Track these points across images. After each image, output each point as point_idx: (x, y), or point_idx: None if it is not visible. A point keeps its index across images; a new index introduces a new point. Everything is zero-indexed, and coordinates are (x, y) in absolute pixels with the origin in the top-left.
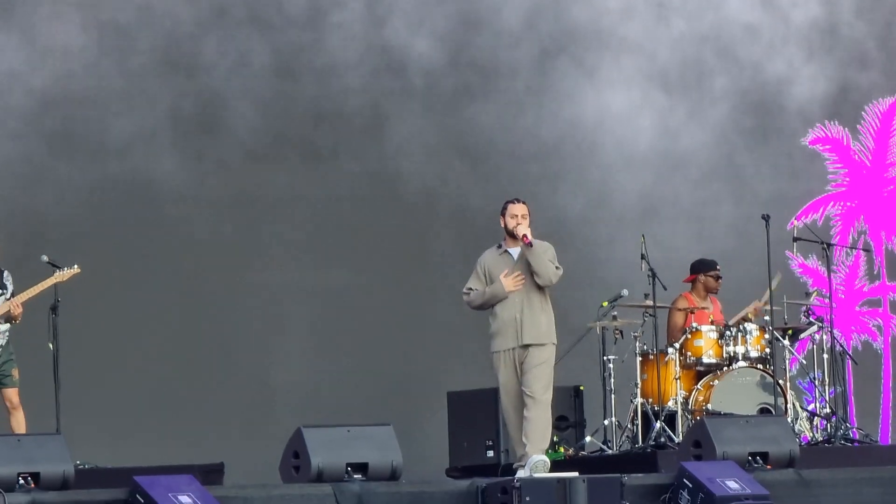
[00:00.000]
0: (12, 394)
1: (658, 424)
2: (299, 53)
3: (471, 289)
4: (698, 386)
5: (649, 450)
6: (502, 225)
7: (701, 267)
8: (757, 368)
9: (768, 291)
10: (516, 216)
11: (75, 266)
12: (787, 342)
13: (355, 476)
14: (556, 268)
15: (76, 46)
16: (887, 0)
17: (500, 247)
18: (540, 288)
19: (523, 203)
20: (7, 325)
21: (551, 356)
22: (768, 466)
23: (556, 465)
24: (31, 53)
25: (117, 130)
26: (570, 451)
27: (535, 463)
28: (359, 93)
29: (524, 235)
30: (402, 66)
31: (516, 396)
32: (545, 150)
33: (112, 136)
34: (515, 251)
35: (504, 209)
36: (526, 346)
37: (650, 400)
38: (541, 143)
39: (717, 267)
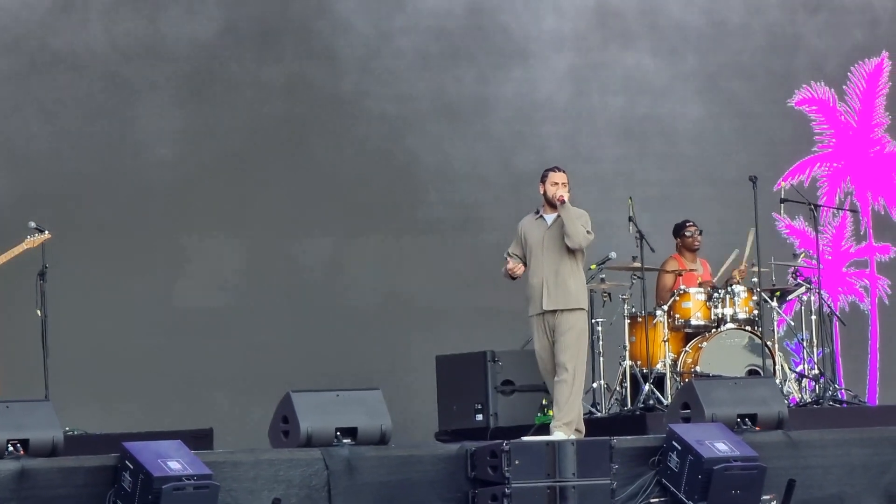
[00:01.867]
0: None
1: (647, 387)
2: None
3: (509, 254)
4: (687, 348)
5: (638, 412)
6: (542, 192)
7: (676, 229)
8: (745, 330)
9: (746, 251)
10: (557, 184)
11: (45, 232)
12: (774, 304)
13: (344, 440)
14: (588, 232)
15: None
16: None
17: (537, 212)
18: (571, 252)
19: (563, 171)
20: None
21: (579, 321)
22: (757, 428)
23: (544, 428)
24: None
25: (100, 96)
26: None
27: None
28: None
29: (560, 196)
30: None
31: (548, 361)
32: (535, 114)
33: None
34: (550, 217)
35: (544, 177)
36: (554, 312)
37: (639, 362)
38: (530, 106)
39: (688, 224)
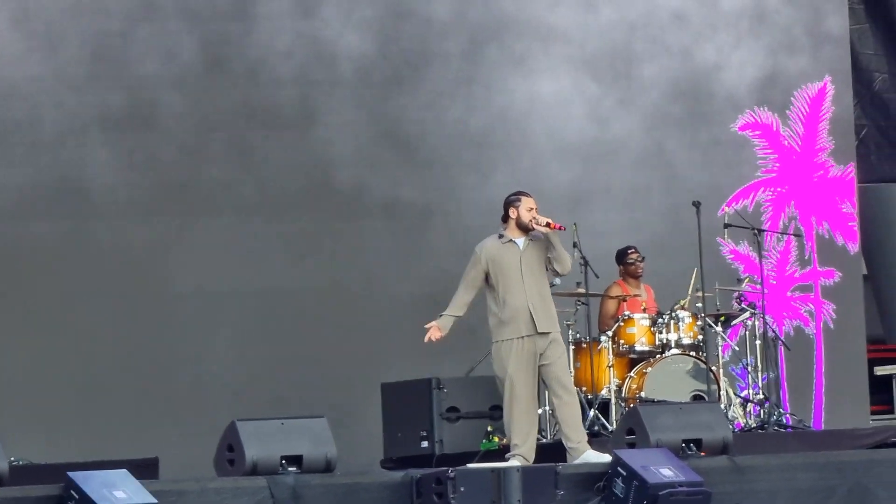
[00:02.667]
0: None
1: (592, 413)
2: (227, 45)
3: (466, 276)
4: (631, 374)
5: None
6: (513, 216)
7: (619, 256)
8: (690, 356)
9: (689, 289)
10: (532, 208)
11: None
12: (719, 329)
13: (290, 468)
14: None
15: (4, 40)
16: None
17: (501, 237)
18: (544, 276)
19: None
20: None
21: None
22: (702, 453)
23: (490, 455)
24: None
25: (47, 126)
26: (504, 441)
27: (589, 459)
28: (289, 84)
29: (557, 224)
30: (332, 57)
31: (524, 386)
32: (476, 140)
33: (42, 133)
34: (521, 241)
35: (516, 201)
36: (544, 335)
37: (584, 388)
38: (471, 133)
39: (630, 250)
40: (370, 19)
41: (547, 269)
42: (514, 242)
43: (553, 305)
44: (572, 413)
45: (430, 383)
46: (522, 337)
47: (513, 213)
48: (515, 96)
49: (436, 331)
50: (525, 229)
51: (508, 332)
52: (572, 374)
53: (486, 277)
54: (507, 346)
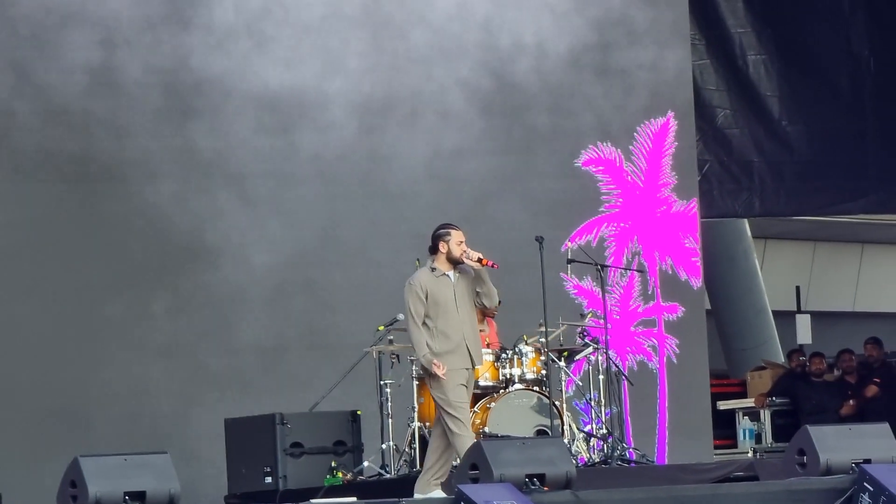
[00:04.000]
0: None
1: None
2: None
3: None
4: (475, 409)
5: None
6: (443, 250)
7: None
8: (533, 391)
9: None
10: (462, 241)
11: None
12: (562, 364)
13: None
14: None
15: None
16: (657, 23)
17: (434, 270)
18: (475, 310)
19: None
20: None
21: None
22: (545, 488)
23: (334, 490)
24: None
25: None
26: (349, 476)
27: None
28: None
29: (485, 259)
30: None
31: (468, 413)
32: (296, 171)
33: None
34: (452, 274)
35: (445, 235)
36: (471, 369)
37: (427, 423)
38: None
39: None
40: None
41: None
42: (448, 276)
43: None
44: (464, 445)
45: (274, 419)
46: (463, 369)
47: (443, 247)
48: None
49: (439, 368)
50: (455, 262)
51: (453, 362)
52: (416, 410)
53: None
54: (453, 375)
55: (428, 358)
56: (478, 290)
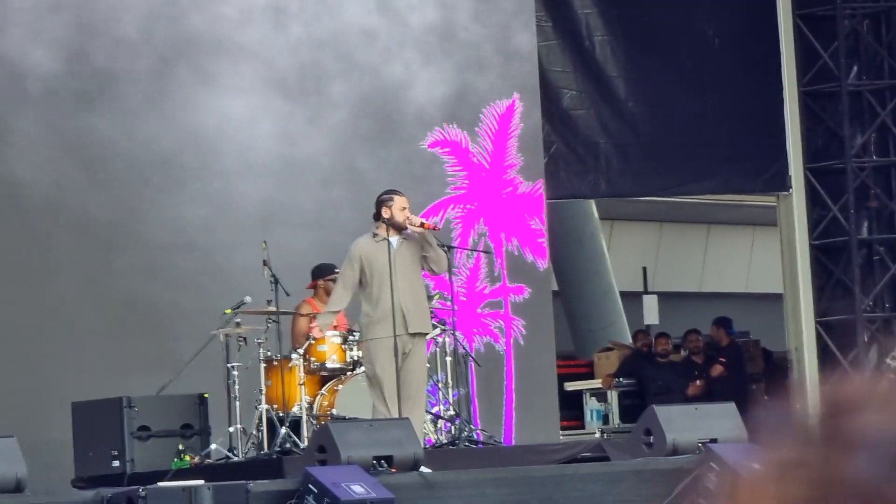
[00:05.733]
0: None
1: (283, 430)
2: None
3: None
4: (323, 391)
5: (275, 456)
6: (386, 215)
7: (320, 272)
8: None
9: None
10: (405, 207)
11: None
12: None
13: None
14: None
15: None
16: (503, 4)
17: (375, 235)
18: (419, 276)
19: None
20: None
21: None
22: (393, 470)
23: (181, 474)
24: None
25: None
26: (196, 459)
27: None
28: None
29: (428, 223)
30: (20, 75)
31: (393, 385)
32: (166, 159)
33: None
34: (395, 240)
35: (388, 200)
36: (413, 335)
37: (275, 406)
38: (161, 152)
39: (336, 271)
40: (58, 38)
41: (422, 269)
42: (389, 241)
43: (427, 306)
44: (417, 417)
45: (121, 402)
46: (392, 336)
47: (385, 212)
48: (206, 115)
49: (317, 331)
50: (398, 228)
51: (379, 331)
52: (263, 392)
53: (361, 277)
54: (377, 344)
55: (320, 319)
56: (424, 255)
